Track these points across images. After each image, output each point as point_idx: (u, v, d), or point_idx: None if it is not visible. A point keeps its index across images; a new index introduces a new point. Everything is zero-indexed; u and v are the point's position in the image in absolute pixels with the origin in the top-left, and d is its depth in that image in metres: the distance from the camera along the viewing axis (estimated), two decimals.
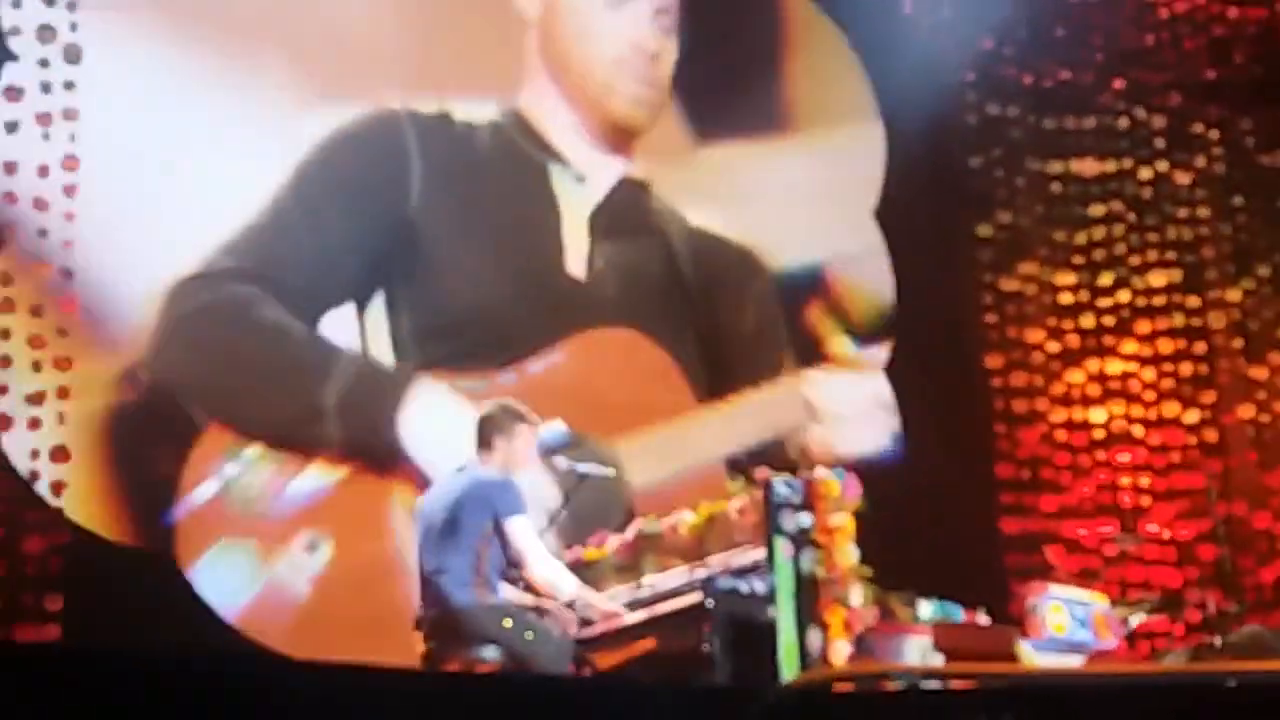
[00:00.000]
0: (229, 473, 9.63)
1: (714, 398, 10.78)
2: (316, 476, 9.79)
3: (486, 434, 7.14)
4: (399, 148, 10.41)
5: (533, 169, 10.77)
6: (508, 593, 7.05)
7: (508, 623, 6.80)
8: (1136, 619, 8.73)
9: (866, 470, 7.75)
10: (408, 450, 9.83)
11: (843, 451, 10.47)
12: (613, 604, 7.31)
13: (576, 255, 10.71)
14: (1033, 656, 7.71)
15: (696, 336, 10.95)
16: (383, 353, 10.17)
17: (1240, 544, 11.36)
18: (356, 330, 10.15)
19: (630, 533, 8.07)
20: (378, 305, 10.20)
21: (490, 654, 6.75)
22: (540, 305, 10.55)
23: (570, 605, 7.14)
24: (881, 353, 11.14)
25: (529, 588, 7.09)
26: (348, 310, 10.16)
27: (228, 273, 9.85)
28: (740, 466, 8.21)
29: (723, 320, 11.13)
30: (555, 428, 7.74)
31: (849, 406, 10.82)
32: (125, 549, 9.40)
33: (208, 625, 9.39)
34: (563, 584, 7.02)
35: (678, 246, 11.13)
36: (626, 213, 11.01)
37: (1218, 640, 8.58)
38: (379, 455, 9.86)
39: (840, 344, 10.96)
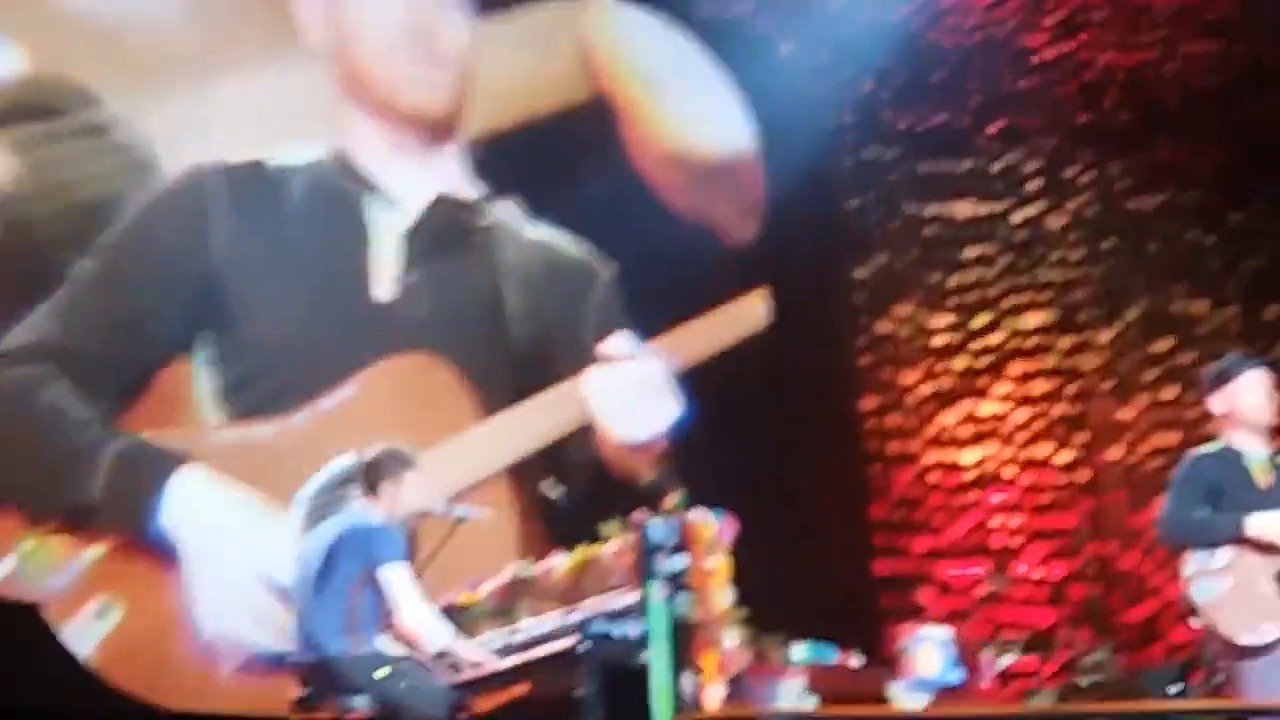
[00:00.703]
0: (25, 548, 9.47)
1: None
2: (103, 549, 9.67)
3: (373, 479, 7.05)
4: (198, 204, 10.20)
5: (346, 203, 10.56)
6: (382, 641, 6.97)
7: (381, 672, 6.73)
8: (1007, 659, 8.82)
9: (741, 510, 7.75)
10: (173, 544, 9.67)
11: (624, 438, 10.54)
12: (482, 653, 7.26)
13: (384, 279, 10.49)
14: (904, 697, 7.79)
15: (524, 354, 10.77)
16: (210, 408, 10.05)
17: (1110, 583, 11.53)
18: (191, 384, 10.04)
19: (505, 577, 8.05)
20: (201, 358, 10.08)
21: (361, 703, 6.69)
22: (340, 332, 10.35)
23: (440, 655, 7.07)
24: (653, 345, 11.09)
25: (399, 637, 7.03)
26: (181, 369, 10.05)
27: (22, 351, 9.68)
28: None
29: (559, 334, 10.92)
30: None
31: (622, 396, 10.76)
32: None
33: (76, 678, 9.32)
34: (434, 634, 6.94)
35: (511, 263, 10.94)
36: (444, 231, 10.76)
37: (1084, 680, 8.69)
38: (151, 550, 9.66)
39: (612, 342, 10.91)
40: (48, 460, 9.66)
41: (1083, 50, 12.63)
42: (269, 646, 9.34)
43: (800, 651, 7.72)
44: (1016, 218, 12.42)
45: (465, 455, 10.31)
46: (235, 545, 9.78)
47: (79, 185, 9.94)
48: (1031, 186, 12.51)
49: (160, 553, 9.70)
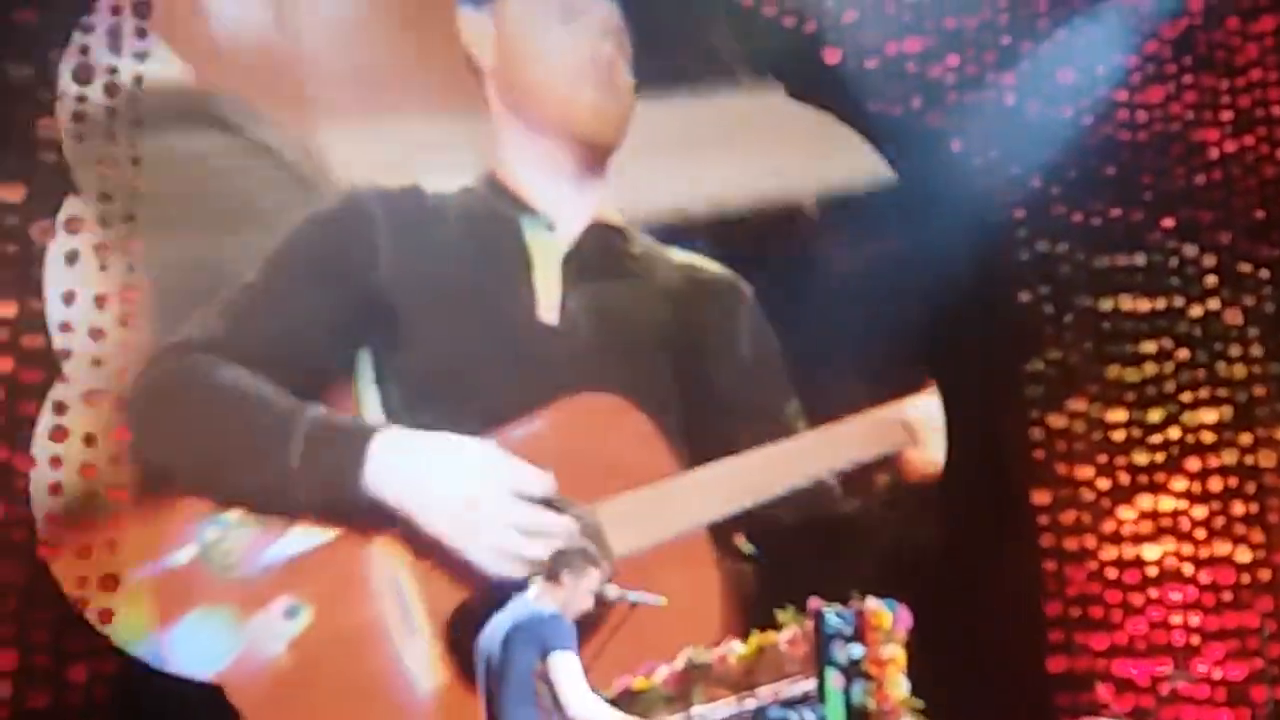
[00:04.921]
0: (208, 537, 9.60)
1: (706, 438, 10.82)
2: (297, 540, 9.77)
3: (557, 569, 7.02)
4: (364, 224, 10.45)
5: (505, 225, 10.81)
6: None
7: None
8: None
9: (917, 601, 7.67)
10: (384, 502, 9.81)
11: (937, 464, 11.19)
12: None
13: (548, 302, 10.73)
14: None
15: (685, 376, 10.97)
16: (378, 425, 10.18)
17: None
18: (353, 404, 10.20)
19: (679, 663, 8.04)
20: (366, 378, 10.25)
21: None
22: (512, 354, 10.55)
23: None
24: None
25: None
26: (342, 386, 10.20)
27: (190, 343, 9.84)
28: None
29: (715, 353, 11.18)
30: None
31: (939, 423, 11.21)
32: (174, 678, 9.40)
33: None
34: None
35: (662, 286, 11.19)
36: (599, 256, 11.03)
37: None
38: (355, 513, 9.80)
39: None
40: (238, 435, 9.78)
41: (1260, 145, 12.51)
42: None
43: None
44: (1194, 312, 12.25)
45: (760, 473, 10.65)
46: (475, 481, 9.98)
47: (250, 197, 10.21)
48: (1208, 281, 12.33)
49: (362, 547, 9.82)
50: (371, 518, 9.84)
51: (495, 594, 8.18)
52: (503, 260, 10.80)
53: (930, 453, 11.17)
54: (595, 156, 11.14)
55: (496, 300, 10.67)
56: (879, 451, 11.07)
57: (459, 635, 9.74)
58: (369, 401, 10.27)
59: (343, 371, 10.27)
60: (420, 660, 9.80)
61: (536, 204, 10.92)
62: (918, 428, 11.13)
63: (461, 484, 10.01)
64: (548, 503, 10.09)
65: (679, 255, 11.30)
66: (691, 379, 11.00)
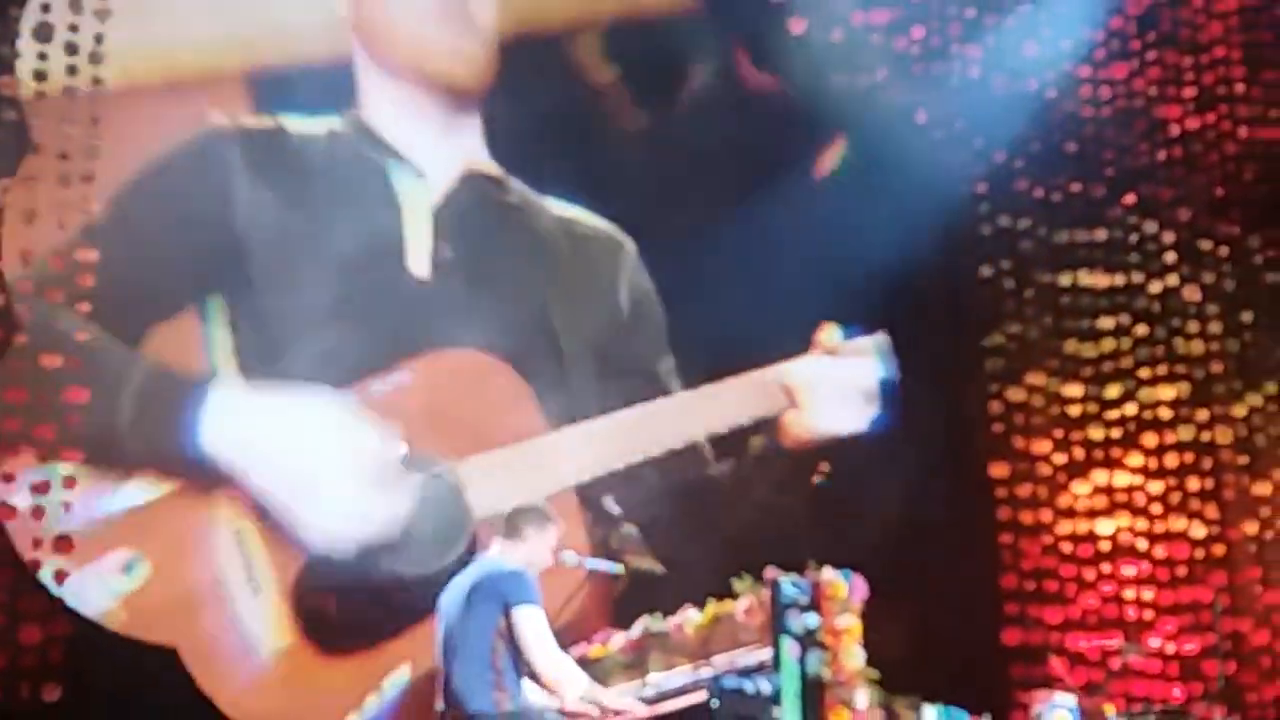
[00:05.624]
0: (39, 489, 9.34)
1: (577, 392, 10.71)
2: (133, 493, 9.58)
3: (519, 524, 6.98)
4: (220, 163, 10.23)
5: (371, 171, 10.60)
6: (528, 694, 6.84)
7: None
8: None
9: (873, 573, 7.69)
10: (215, 459, 9.65)
11: (821, 431, 10.94)
12: (625, 700, 7.17)
13: (418, 253, 10.55)
14: None
15: (559, 330, 10.84)
16: (228, 369, 10.01)
17: (1244, 660, 11.35)
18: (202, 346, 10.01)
19: (636, 631, 8.06)
20: (218, 323, 10.08)
21: None
22: (378, 305, 10.33)
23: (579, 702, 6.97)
24: (868, 341, 11.25)
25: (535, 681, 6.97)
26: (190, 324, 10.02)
27: (31, 287, 9.60)
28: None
29: (590, 307, 11.06)
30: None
31: (828, 388, 10.98)
32: (128, 641, 9.36)
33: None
34: (570, 680, 6.81)
35: (539, 238, 11.02)
36: (474, 207, 10.83)
37: None
38: (189, 470, 9.62)
39: (829, 333, 11.12)
40: (70, 385, 9.45)
41: (1222, 122, 12.54)
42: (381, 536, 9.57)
43: (931, 714, 7.65)
44: (1153, 289, 12.29)
45: (633, 434, 10.55)
46: (313, 449, 9.85)
47: None
48: (1168, 258, 12.37)
49: (202, 503, 9.66)
50: (208, 475, 9.65)
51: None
52: (369, 208, 10.57)
53: (809, 416, 11.00)
54: (459, 100, 10.88)
55: (361, 249, 10.36)
56: (756, 414, 10.94)
57: (305, 594, 9.71)
58: (221, 347, 10.05)
59: (190, 315, 10.06)
60: (263, 621, 9.69)
61: (404, 150, 10.72)
62: (798, 390, 10.95)
63: (300, 447, 9.84)
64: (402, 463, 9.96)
65: (558, 208, 11.11)
66: (565, 333, 10.86)
